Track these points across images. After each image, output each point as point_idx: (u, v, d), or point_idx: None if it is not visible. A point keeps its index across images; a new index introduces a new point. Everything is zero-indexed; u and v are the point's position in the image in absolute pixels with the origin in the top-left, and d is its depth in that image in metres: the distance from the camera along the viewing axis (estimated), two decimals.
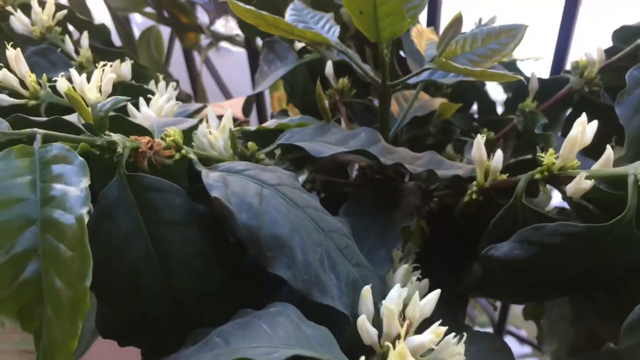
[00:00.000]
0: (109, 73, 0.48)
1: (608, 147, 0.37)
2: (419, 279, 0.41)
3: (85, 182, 0.27)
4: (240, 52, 1.41)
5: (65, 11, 0.63)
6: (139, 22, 1.73)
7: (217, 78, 1.50)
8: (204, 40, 1.43)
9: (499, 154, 0.42)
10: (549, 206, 0.66)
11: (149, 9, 1.44)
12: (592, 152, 0.61)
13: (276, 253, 0.34)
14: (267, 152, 0.46)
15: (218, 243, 0.36)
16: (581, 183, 0.36)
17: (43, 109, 0.47)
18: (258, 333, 0.30)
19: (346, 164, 0.49)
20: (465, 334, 0.33)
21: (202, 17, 1.38)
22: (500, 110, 0.69)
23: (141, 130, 0.40)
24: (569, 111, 0.64)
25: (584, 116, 0.37)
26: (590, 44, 0.61)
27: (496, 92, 0.76)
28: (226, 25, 1.66)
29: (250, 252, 0.34)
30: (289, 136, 0.46)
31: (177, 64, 1.51)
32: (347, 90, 0.61)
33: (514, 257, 0.37)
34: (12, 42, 0.46)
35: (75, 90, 0.48)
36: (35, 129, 0.31)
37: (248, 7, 0.47)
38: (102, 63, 0.49)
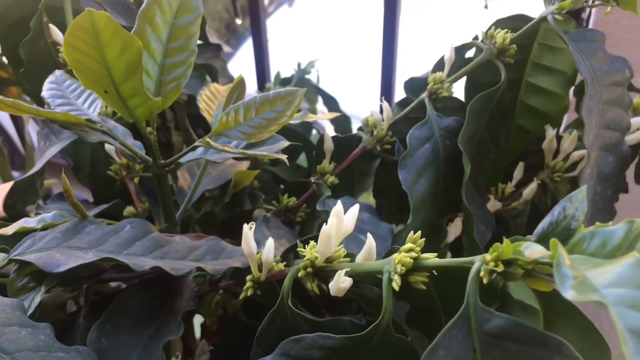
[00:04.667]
0: None
1: (369, 236, 0.33)
2: None
3: None
4: None
5: None
6: None
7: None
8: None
9: (269, 244, 0.37)
10: None
11: None
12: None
13: None
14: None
15: None
16: (340, 282, 0.32)
17: None
18: None
19: (106, 267, 0.42)
20: None
21: None
22: None
23: None
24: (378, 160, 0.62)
25: (339, 206, 0.33)
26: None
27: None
28: None
29: None
30: (29, 244, 0.38)
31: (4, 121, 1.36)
32: (133, 166, 0.54)
33: None
34: None
35: None
36: None
37: None
38: None
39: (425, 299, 0.38)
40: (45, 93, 0.48)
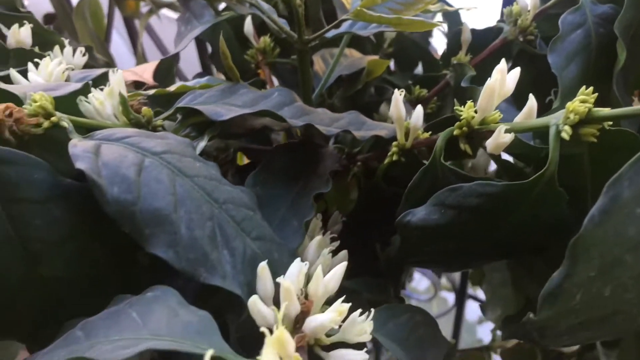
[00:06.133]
0: None
1: (531, 96, 0.33)
2: (335, 251, 0.37)
3: None
4: None
5: None
6: None
7: (161, 48, 1.43)
8: (144, 7, 1.36)
9: (418, 110, 0.38)
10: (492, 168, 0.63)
11: None
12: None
13: (155, 230, 0.30)
14: (166, 118, 0.41)
15: (95, 222, 0.32)
16: (500, 137, 0.32)
17: None
18: (125, 323, 0.26)
19: (257, 128, 0.44)
20: (372, 310, 0.30)
21: None
22: None
23: (8, 97, 0.35)
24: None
25: (503, 63, 0.33)
26: None
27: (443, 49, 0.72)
28: None
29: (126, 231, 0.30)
30: (191, 99, 0.41)
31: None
32: (270, 50, 0.56)
33: (431, 222, 0.34)
34: None
35: None
36: None
37: None
38: None
39: (574, 175, 0.37)
40: None
